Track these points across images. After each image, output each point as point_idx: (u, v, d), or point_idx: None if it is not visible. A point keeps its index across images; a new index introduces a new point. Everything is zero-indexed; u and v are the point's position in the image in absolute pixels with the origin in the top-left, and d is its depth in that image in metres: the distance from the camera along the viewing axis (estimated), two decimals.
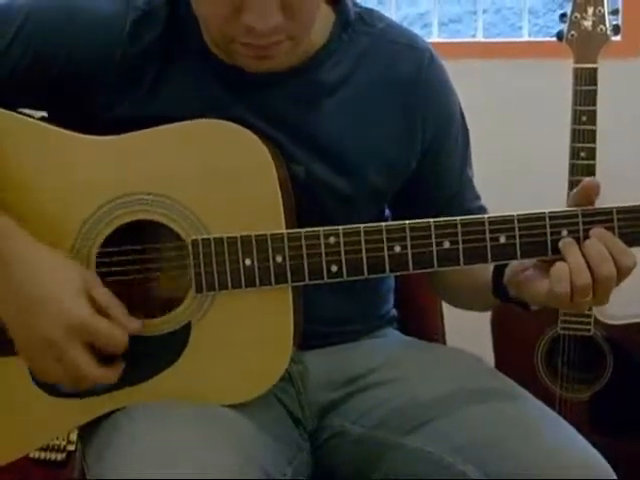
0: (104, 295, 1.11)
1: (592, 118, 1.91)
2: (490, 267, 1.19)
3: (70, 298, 1.09)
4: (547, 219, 1.09)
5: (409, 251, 1.10)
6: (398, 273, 1.12)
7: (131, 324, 1.11)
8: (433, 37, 2.71)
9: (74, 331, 1.08)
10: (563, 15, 1.94)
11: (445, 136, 1.30)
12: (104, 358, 1.11)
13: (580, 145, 1.91)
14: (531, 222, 1.09)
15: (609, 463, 1.11)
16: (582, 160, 1.90)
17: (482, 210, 1.35)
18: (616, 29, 1.93)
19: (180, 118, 1.14)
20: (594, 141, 1.91)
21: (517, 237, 1.09)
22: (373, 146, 1.24)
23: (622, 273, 1.08)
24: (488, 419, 1.15)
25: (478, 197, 1.37)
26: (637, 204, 1.09)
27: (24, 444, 1.22)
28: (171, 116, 1.14)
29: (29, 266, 1.10)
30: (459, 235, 1.09)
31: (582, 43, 1.92)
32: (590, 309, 1.95)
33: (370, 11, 1.27)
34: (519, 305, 1.18)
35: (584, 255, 1.08)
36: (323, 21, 1.22)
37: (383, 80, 1.24)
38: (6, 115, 1.16)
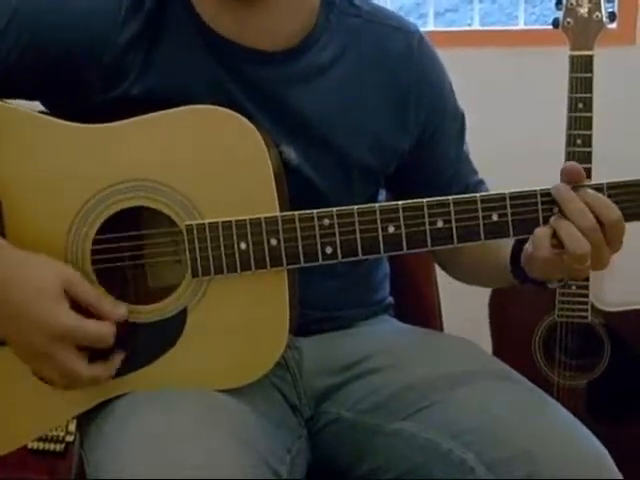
0: (84, 291, 1.11)
1: (588, 105, 1.91)
2: (506, 247, 1.20)
3: (50, 305, 1.09)
4: (539, 196, 1.10)
5: (403, 231, 1.10)
6: (393, 253, 1.13)
7: (117, 311, 1.12)
8: (429, 26, 2.70)
9: (58, 338, 1.09)
10: (559, 3, 1.93)
11: (440, 115, 1.31)
12: (100, 352, 1.12)
13: (576, 132, 1.91)
14: (523, 199, 1.10)
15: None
16: (579, 147, 1.91)
17: (481, 184, 1.37)
18: (612, 16, 1.92)
19: (174, 96, 1.14)
20: (590, 128, 1.91)
21: (509, 215, 1.10)
22: (365, 127, 1.24)
23: (608, 230, 1.08)
24: (485, 405, 1.15)
25: (476, 172, 1.39)
26: (628, 179, 1.10)
27: (22, 434, 1.22)
28: (166, 93, 1.15)
29: (9, 274, 1.09)
30: (452, 214, 1.10)
31: (578, 30, 1.91)
32: (587, 296, 1.95)
33: None
34: (537, 284, 1.19)
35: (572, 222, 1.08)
36: (310, 3, 1.23)
37: (373, 60, 1.25)
38: (1, 105, 1.16)
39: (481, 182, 1.37)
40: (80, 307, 1.11)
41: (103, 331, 1.10)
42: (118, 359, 1.13)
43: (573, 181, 1.09)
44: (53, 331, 1.08)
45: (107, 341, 1.11)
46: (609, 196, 1.09)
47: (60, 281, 1.10)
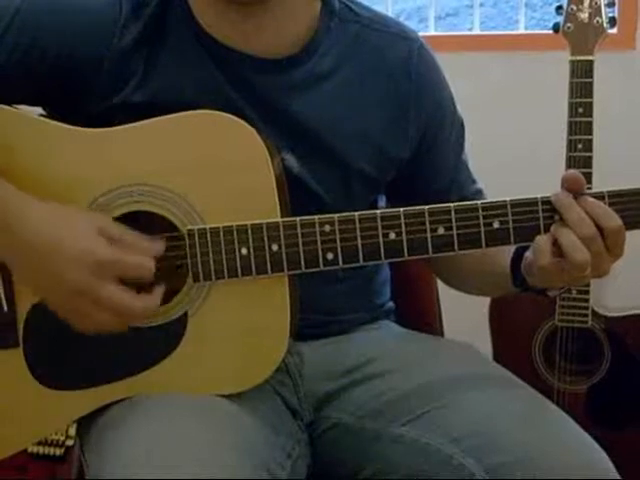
0: (119, 230, 1.09)
1: (589, 110, 1.91)
2: (505, 255, 1.20)
3: (88, 238, 1.06)
4: (540, 204, 1.10)
5: (404, 238, 1.10)
6: (394, 260, 1.13)
7: (155, 246, 1.10)
8: (430, 31, 2.71)
9: (101, 269, 1.05)
10: (559, 7, 1.94)
11: (439, 123, 1.31)
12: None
13: (577, 137, 1.91)
14: (524, 207, 1.10)
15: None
16: (579, 152, 1.91)
17: (480, 193, 1.37)
18: (612, 21, 1.93)
19: (174, 103, 1.14)
20: (591, 133, 1.91)
21: (510, 222, 1.10)
22: (365, 134, 1.25)
23: (608, 238, 1.08)
24: (486, 410, 1.15)
25: (475, 181, 1.38)
26: (629, 188, 1.10)
27: (23, 438, 1.22)
28: (167, 100, 1.15)
29: (41, 217, 1.08)
30: (453, 221, 1.10)
31: (578, 35, 1.92)
32: (587, 301, 1.96)
33: (355, 1, 1.29)
34: (538, 292, 1.19)
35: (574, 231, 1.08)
36: (311, 11, 1.24)
37: (373, 68, 1.25)
38: (2, 109, 1.16)
39: (480, 191, 1.37)
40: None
41: (144, 262, 1.08)
42: (160, 291, 1.10)
43: (574, 189, 1.09)
44: (95, 261, 1.05)
45: (148, 272, 1.08)
46: (610, 204, 1.09)
47: (94, 221, 1.08)
